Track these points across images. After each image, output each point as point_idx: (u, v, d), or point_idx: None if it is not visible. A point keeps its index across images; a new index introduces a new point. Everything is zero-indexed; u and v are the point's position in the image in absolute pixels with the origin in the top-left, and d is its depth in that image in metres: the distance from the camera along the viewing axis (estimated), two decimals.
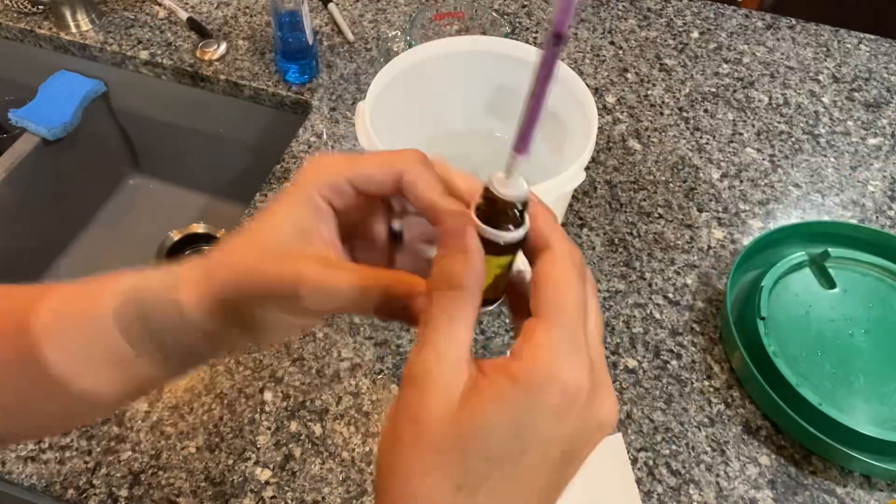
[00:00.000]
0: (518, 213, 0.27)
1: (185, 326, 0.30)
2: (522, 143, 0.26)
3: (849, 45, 1.04)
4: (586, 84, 0.62)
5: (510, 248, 0.28)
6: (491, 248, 0.27)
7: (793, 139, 0.90)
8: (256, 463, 0.61)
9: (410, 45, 0.83)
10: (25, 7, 1.00)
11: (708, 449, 0.63)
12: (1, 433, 0.38)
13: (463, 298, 0.26)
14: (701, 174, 0.86)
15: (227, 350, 0.33)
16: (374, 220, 0.32)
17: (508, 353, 0.26)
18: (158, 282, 0.31)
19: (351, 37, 0.99)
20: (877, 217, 0.83)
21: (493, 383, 0.24)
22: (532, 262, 0.28)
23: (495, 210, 0.27)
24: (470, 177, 0.30)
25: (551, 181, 0.52)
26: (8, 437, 0.40)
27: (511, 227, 0.27)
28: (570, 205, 0.81)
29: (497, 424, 0.24)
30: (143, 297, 0.31)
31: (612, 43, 1.02)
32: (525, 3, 1.07)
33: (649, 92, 0.95)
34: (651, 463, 0.62)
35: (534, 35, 1.02)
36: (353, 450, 0.62)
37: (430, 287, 0.27)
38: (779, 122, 0.92)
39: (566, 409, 0.25)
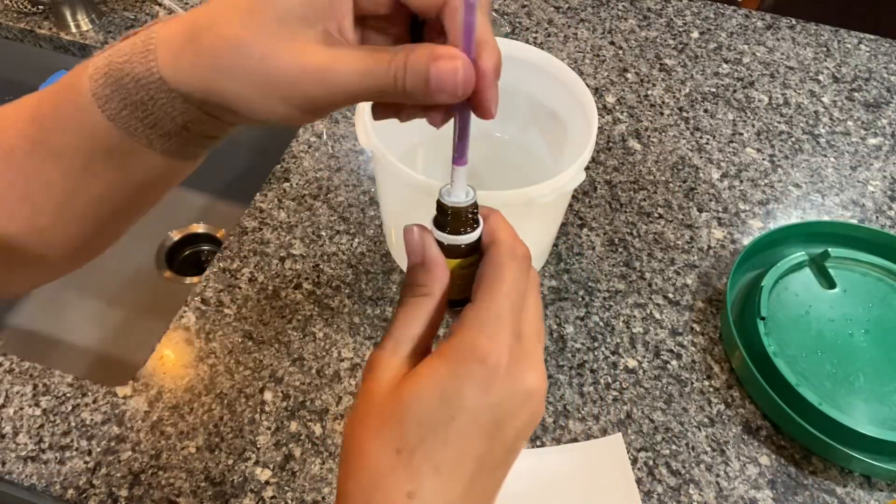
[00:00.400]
0: (471, 216, 0.31)
1: (168, 95, 0.28)
2: (458, 155, 0.30)
3: (849, 45, 1.04)
4: (586, 84, 0.62)
5: (470, 249, 0.32)
6: (453, 251, 0.31)
7: (793, 139, 0.90)
8: (256, 463, 0.61)
9: None
10: (25, 7, 1.00)
11: (708, 449, 0.63)
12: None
13: (423, 303, 0.30)
14: (701, 174, 0.86)
15: (224, 123, 0.30)
16: (396, 17, 0.29)
17: None
18: (134, 47, 0.28)
19: None
20: (877, 217, 0.83)
21: (426, 362, 0.28)
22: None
23: (449, 218, 0.31)
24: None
25: (551, 181, 0.52)
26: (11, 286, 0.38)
27: (466, 229, 0.31)
28: (570, 205, 0.81)
29: (427, 394, 0.27)
30: (118, 67, 0.28)
31: (612, 43, 1.02)
32: (525, 3, 1.07)
33: (649, 92, 0.95)
34: (651, 463, 0.62)
35: (534, 35, 1.02)
36: None
37: (401, 294, 0.31)
38: (779, 122, 0.92)
39: (490, 379, 0.27)
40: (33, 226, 0.34)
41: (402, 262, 0.67)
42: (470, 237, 0.31)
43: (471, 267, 0.31)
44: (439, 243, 0.31)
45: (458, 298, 0.32)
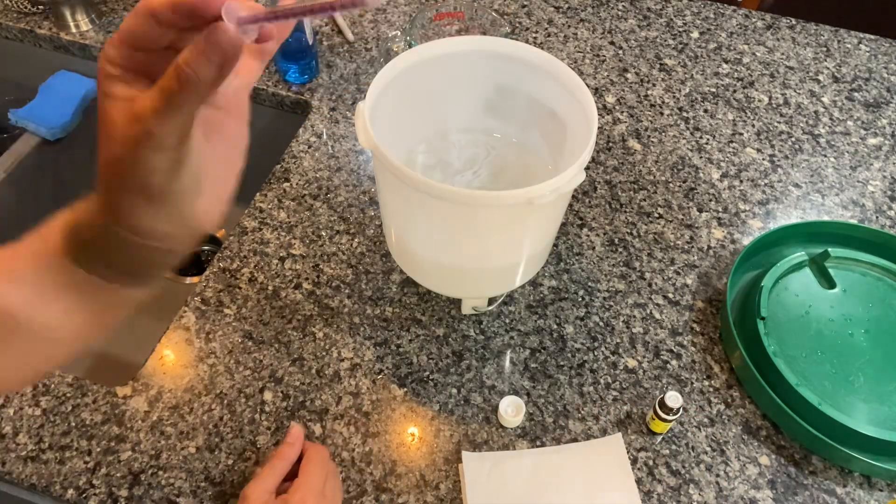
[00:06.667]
0: None
1: (110, 233, 0.34)
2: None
3: (849, 45, 1.04)
4: (586, 84, 0.62)
5: None
6: None
7: (793, 139, 0.90)
8: (256, 463, 0.61)
9: (410, 45, 0.83)
10: (25, 7, 1.00)
11: (708, 449, 0.63)
12: None
13: (281, 465, 0.57)
14: (701, 174, 0.86)
15: (165, 245, 0.35)
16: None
17: None
18: (87, 210, 0.35)
19: (351, 37, 0.99)
20: (877, 217, 0.83)
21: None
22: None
23: None
24: None
25: (551, 181, 0.52)
26: None
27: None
28: (570, 205, 0.81)
29: None
30: (79, 228, 0.35)
31: (612, 43, 1.02)
32: (525, 3, 1.07)
33: (649, 92, 0.95)
34: (651, 463, 0.62)
35: (534, 35, 1.02)
36: (353, 450, 0.62)
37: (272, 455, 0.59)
38: (779, 122, 0.92)
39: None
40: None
41: (403, 263, 0.67)
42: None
43: None
44: None
45: None
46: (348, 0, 0.27)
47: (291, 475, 0.56)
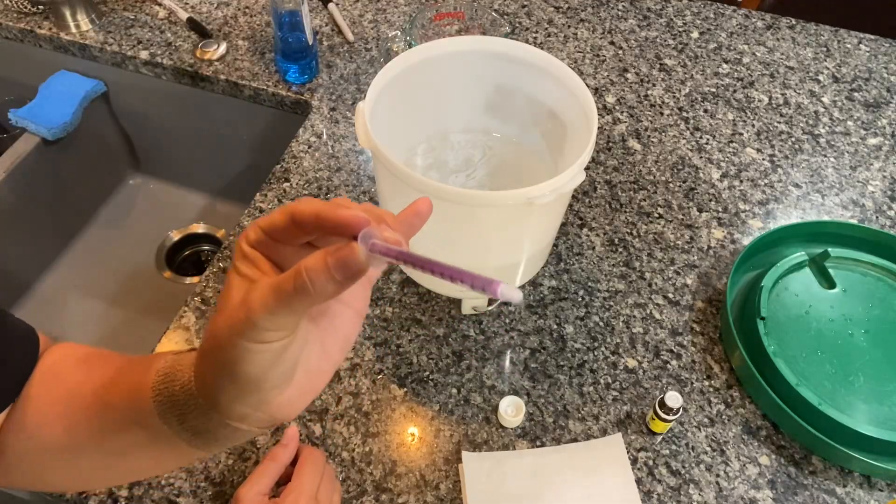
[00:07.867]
0: None
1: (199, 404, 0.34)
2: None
3: (849, 45, 1.04)
4: (586, 84, 0.62)
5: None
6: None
7: (793, 139, 0.90)
8: (256, 462, 0.61)
9: (410, 45, 0.83)
10: (25, 7, 1.00)
11: (708, 449, 0.63)
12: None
13: (273, 466, 0.56)
14: (701, 174, 0.86)
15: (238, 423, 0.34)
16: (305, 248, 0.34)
17: None
18: (188, 366, 0.35)
19: (351, 37, 0.99)
20: (877, 217, 0.83)
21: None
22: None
23: None
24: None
25: (551, 181, 0.52)
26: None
27: None
28: (570, 205, 0.81)
29: None
30: (174, 378, 0.35)
31: (612, 43, 1.02)
32: (525, 3, 1.07)
33: (649, 92, 0.95)
34: (651, 463, 0.62)
35: (534, 35, 1.02)
36: (353, 450, 0.62)
37: (265, 458, 0.57)
38: (779, 122, 0.92)
39: None
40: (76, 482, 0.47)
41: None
42: None
43: None
44: None
45: None
46: (486, 283, 0.25)
47: (286, 478, 0.56)
